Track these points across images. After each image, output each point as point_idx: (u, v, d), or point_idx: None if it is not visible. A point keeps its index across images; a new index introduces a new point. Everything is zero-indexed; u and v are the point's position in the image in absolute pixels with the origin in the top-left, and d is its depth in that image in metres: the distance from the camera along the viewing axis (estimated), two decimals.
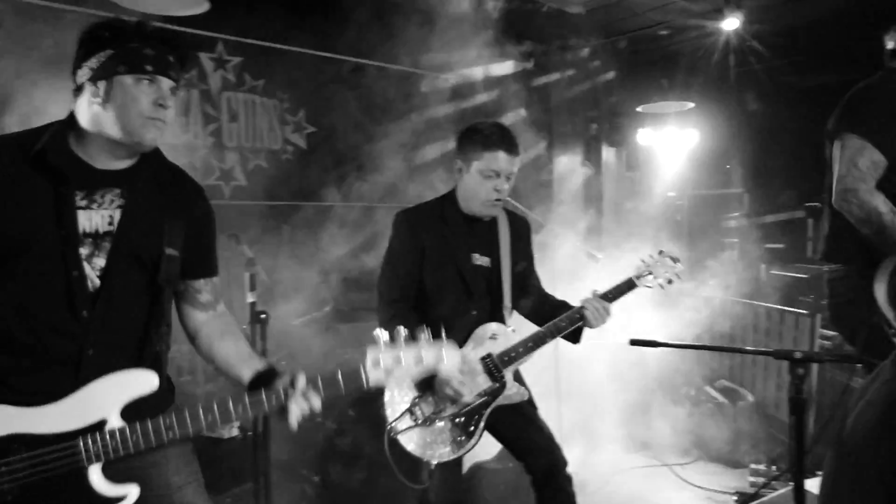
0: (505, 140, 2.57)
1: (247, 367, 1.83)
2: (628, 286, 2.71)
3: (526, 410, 2.72)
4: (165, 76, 1.71)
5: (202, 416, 1.69)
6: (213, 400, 1.69)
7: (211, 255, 1.95)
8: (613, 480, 4.29)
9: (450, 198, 2.75)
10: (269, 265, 3.43)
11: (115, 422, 1.65)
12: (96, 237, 1.69)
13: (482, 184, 2.59)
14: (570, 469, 2.66)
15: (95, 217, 1.69)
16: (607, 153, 6.73)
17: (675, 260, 2.79)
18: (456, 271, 2.64)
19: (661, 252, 2.79)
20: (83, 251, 1.67)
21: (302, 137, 5.14)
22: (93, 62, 1.67)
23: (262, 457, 3.07)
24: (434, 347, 1.71)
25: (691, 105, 6.12)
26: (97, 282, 1.68)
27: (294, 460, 3.53)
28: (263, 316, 3.07)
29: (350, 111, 5.09)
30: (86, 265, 1.67)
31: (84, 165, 1.70)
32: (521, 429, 2.67)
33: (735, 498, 3.92)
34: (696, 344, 3.07)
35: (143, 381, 1.69)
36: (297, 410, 1.68)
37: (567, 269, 4.10)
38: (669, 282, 2.76)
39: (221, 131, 4.73)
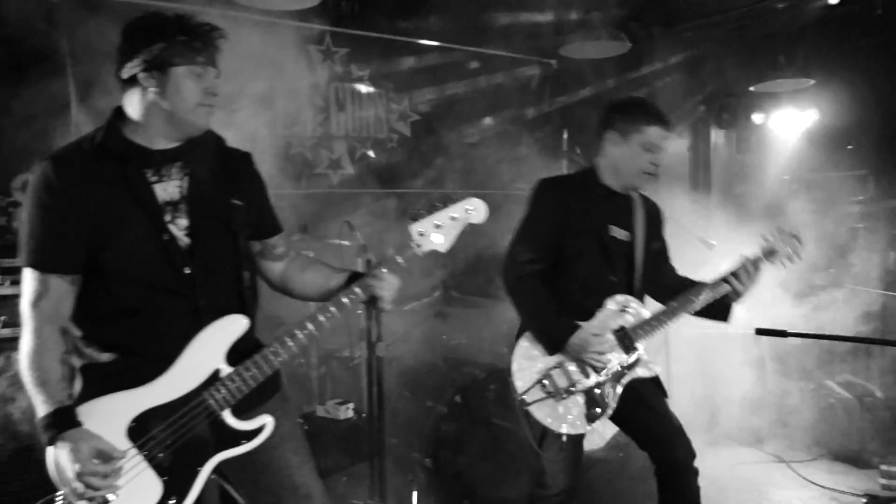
0: (662, 116, 2.66)
1: (335, 280, 2.01)
2: (755, 264, 2.70)
3: (652, 397, 2.67)
4: (213, 66, 1.85)
5: (298, 334, 1.85)
6: (302, 319, 1.86)
7: (272, 212, 2.13)
8: (726, 475, 4.14)
9: (590, 171, 2.79)
10: (377, 251, 3.49)
11: (226, 368, 1.82)
12: (174, 204, 1.85)
13: (641, 156, 2.64)
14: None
15: (168, 188, 1.86)
16: (716, 135, 6.43)
17: (795, 237, 2.75)
18: (597, 240, 2.67)
19: (779, 229, 2.75)
20: (166, 217, 1.83)
21: (406, 125, 5.20)
22: (145, 55, 1.78)
23: (376, 438, 3.15)
24: (461, 202, 1.94)
25: (811, 82, 5.74)
26: (186, 240, 1.85)
27: (405, 443, 3.60)
28: None
29: (453, 98, 5.09)
30: (173, 228, 1.83)
31: (143, 149, 1.85)
32: (647, 416, 2.63)
33: (864, 500, 3.69)
34: (829, 334, 2.87)
35: (234, 325, 1.86)
36: (384, 294, 1.90)
37: (679, 257, 3.95)
38: (790, 259, 2.74)
39: (329, 121, 4.85)
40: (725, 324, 2.78)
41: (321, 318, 1.87)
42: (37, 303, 1.75)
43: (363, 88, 4.98)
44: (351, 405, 3.59)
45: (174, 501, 1.75)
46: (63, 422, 1.69)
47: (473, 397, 3.69)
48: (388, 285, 1.90)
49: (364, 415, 3.48)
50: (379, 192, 4.87)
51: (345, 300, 1.88)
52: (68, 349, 1.79)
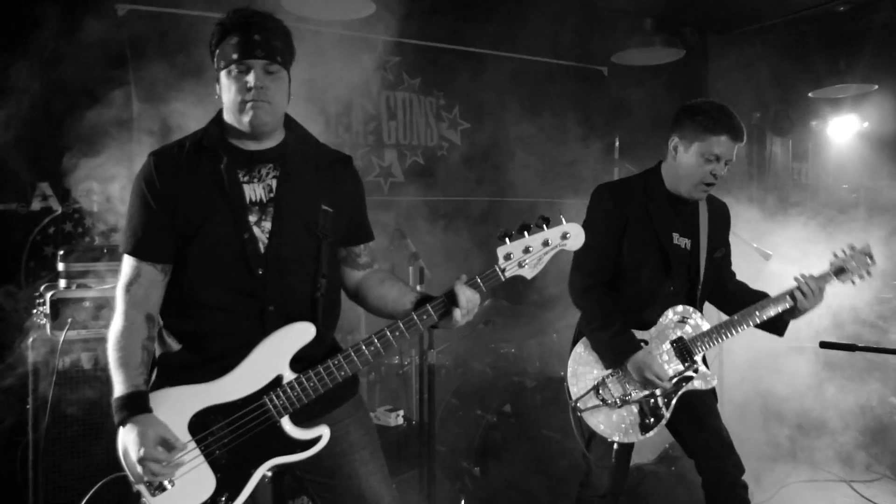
0: (732, 125, 2.49)
1: (408, 298, 1.95)
2: (822, 282, 2.63)
3: (704, 410, 2.63)
4: (253, 58, 1.79)
5: (365, 349, 1.82)
6: (371, 334, 1.82)
7: (365, 220, 2.10)
8: (782, 493, 4.01)
9: (654, 174, 2.67)
10: (427, 259, 3.51)
11: (289, 375, 1.83)
12: (262, 205, 1.88)
13: (700, 166, 2.51)
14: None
15: (258, 189, 1.88)
16: (773, 143, 6.28)
17: (867, 255, 2.68)
18: (657, 247, 2.59)
19: (851, 246, 2.69)
20: (252, 218, 1.86)
21: (456, 133, 5.21)
22: (216, 64, 1.86)
23: (426, 446, 3.16)
24: (557, 226, 1.81)
25: (873, 87, 5.56)
26: (265, 242, 1.86)
27: (454, 451, 3.60)
28: None
29: (503, 106, 5.08)
30: (255, 229, 1.86)
31: (237, 149, 1.89)
32: (697, 429, 2.61)
33: None
34: None
35: (301, 333, 1.85)
36: (457, 313, 1.80)
37: (735, 267, 3.87)
38: (860, 278, 2.69)
39: (381, 129, 4.90)
40: (780, 337, 2.71)
41: (390, 335, 1.82)
42: (129, 287, 1.85)
43: (414, 97, 5.01)
44: (401, 412, 3.60)
45: (226, 498, 1.80)
46: (135, 406, 1.76)
47: (523, 406, 3.67)
48: (466, 301, 1.79)
49: (414, 422, 3.49)
50: (429, 199, 4.88)
51: (417, 321, 1.82)
52: (151, 336, 1.86)
